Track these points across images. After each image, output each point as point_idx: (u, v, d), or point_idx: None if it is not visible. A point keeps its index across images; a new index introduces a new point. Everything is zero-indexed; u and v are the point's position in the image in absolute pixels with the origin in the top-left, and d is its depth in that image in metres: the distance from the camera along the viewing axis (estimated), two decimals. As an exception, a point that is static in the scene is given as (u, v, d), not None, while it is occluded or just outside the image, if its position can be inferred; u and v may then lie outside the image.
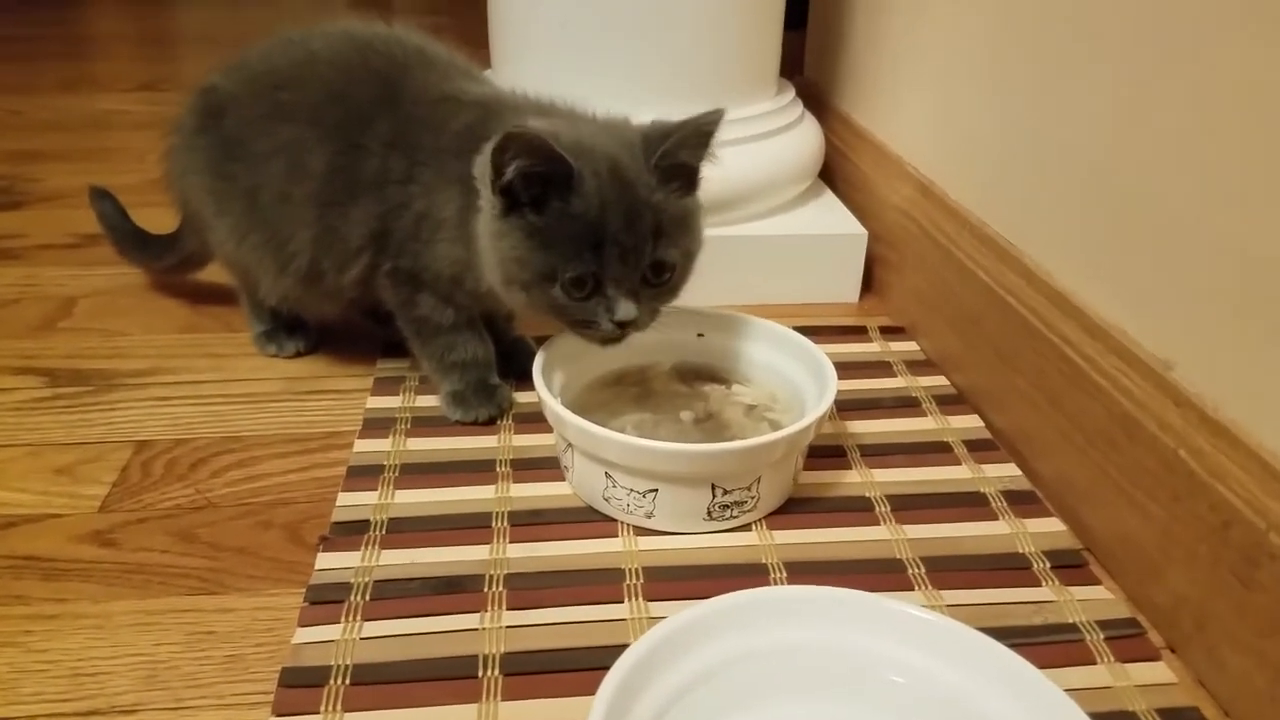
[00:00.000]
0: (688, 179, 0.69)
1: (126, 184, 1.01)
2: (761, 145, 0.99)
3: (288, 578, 0.63)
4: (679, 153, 0.67)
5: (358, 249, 0.75)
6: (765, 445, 0.64)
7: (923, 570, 0.64)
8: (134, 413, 0.81)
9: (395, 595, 0.61)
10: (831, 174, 1.16)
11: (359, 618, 0.59)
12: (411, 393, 0.83)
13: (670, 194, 0.67)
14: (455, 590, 0.62)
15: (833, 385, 0.69)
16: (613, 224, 0.64)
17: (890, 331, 0.96)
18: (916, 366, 0.89)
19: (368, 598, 0.61)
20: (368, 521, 0.67)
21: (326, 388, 0.85)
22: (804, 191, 1.08)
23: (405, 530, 0.67)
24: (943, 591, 0.62)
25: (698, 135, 0.67)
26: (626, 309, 0.67)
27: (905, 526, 0.68)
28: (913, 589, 0.63)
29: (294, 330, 0.89)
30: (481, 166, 0.67)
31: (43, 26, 2.33)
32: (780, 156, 1.01)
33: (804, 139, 1.06)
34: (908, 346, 0.93)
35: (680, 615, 0.51)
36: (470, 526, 0.67)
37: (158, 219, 0.99)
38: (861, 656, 0.51)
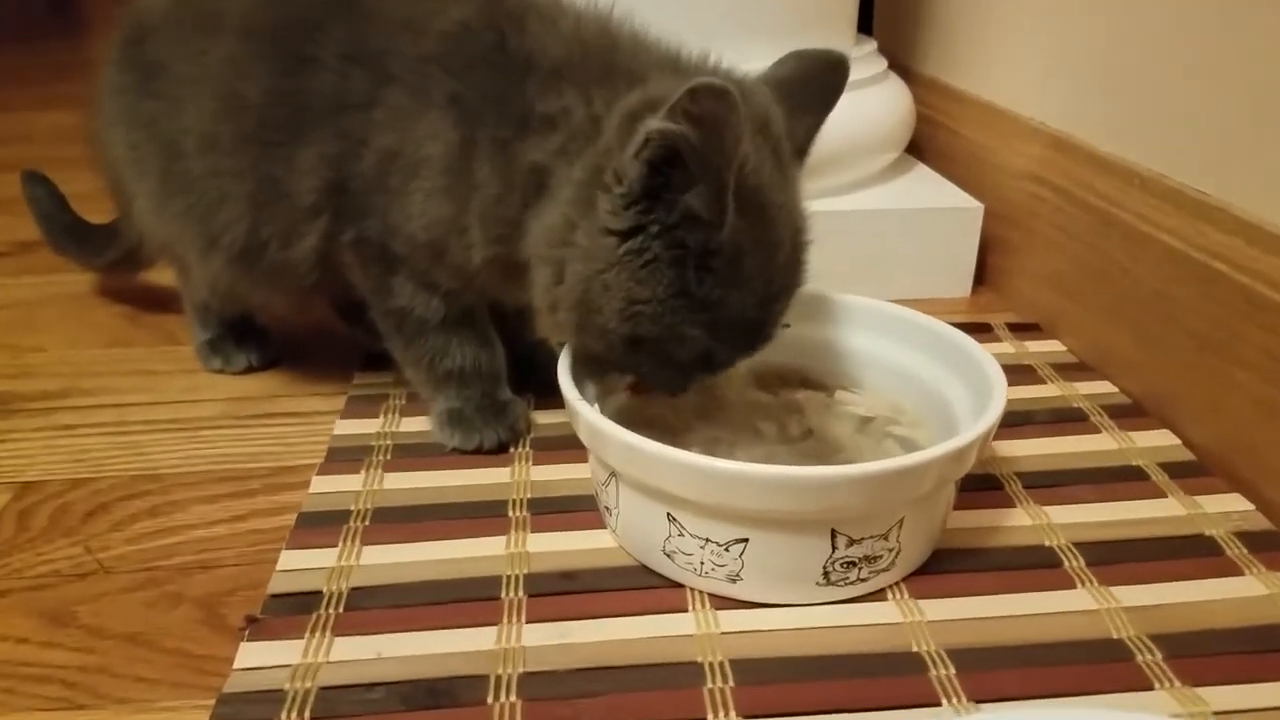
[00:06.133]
0: None
1: (78, 192, 0.83)
2: (844, 99, 0.79)
3: (192, 681, 0.42)
4: None
5: (309, 209, 0.55)
6: (913, 469, 0.42)
7: (1158, 655, 0.42)
8: (25, 445, 0.61)
9: (350, 714, 0.39)
10: (921, 149, 0.95)
11: (290, 750, 0.38)
12: (395, 414, 0.62)
13: None
14: (443, 703, 0.40)
15: (1000, 389, 0.47)
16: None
17: (1021, 329, 0.74)
18: (1068, 370, 0.67)
19: (307, 717, 0.39)
20: (319, 594, 0.46)
21: (281, 410, 0.64)
22: (891, 165, 0.87)
23: (372, 606, 0.45)
24: (1199, 690, 0.40)
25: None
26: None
27: (1113, 589, 0.46)
28: (1152, 687, 0.41)
29: (245, 339, 0.69)
30: (613, 132, 0.46)
31: (36, 55, 2.22)
32: (866, 115, 0.80)
33: (891, 97, 0.85)
34: (1050, 346, 0.71)
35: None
36: (469, 598, 0.46)
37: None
38: None
